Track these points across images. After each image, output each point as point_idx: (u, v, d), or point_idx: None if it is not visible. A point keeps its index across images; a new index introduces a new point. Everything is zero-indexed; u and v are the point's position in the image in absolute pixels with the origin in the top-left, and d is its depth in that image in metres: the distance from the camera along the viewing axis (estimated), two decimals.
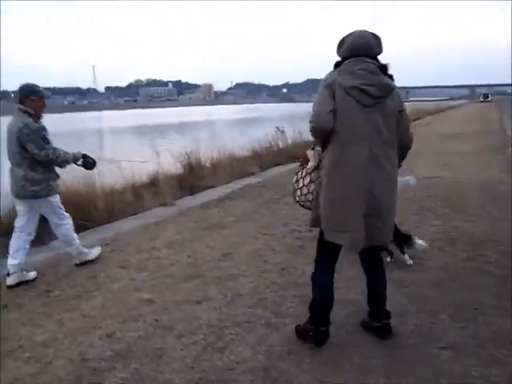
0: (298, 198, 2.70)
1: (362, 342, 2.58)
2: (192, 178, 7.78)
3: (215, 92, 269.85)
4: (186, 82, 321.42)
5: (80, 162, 4.01)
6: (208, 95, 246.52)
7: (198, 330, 2.79)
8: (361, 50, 2.36)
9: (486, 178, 7.17)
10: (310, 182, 2.56)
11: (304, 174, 2.62)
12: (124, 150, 10.97)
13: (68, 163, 3.90)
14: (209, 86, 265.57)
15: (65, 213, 3.99)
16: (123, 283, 3.62)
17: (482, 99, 64.06)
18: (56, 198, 3.90)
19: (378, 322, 2.61)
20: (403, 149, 2.47)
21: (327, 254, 2.52)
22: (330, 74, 2.40)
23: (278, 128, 11.74)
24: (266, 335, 2.68)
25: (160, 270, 3.87)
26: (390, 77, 2.42)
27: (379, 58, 2.43)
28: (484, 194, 6.21)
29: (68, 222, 4.00)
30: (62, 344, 2.72)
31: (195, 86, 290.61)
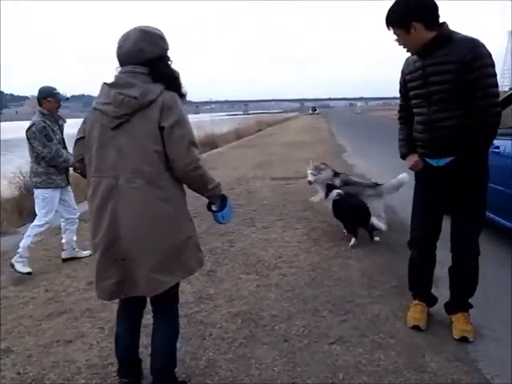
0: None
1: (256, 351, 2.55)
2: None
3: None
4: (11, 94, 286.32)
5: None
6: None
7: (76, 374, 2.40)
8: (122, 60, 1.92)
9: None
10: None
11: None
12: None
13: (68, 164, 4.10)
14: None
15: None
16: None
17: (311, 111, 71.59)
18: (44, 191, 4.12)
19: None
20: (184, 177, 1.90)
21: None
22: None
23: None
24: None
25: (12, 312, 3.27)
26: (175, 86, 1.93)
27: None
28: None
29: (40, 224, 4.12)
30: None
31: (22, 99, 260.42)
